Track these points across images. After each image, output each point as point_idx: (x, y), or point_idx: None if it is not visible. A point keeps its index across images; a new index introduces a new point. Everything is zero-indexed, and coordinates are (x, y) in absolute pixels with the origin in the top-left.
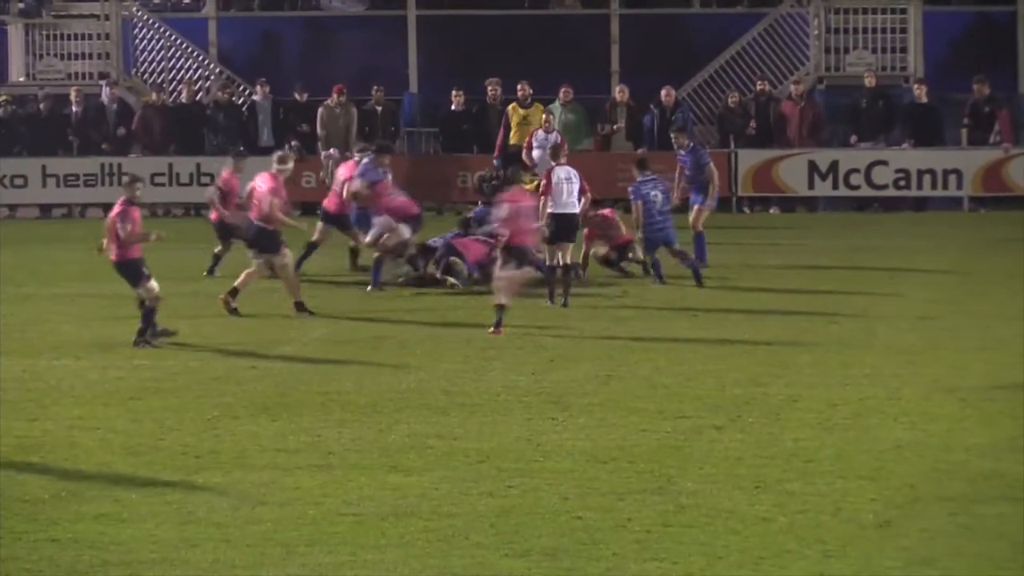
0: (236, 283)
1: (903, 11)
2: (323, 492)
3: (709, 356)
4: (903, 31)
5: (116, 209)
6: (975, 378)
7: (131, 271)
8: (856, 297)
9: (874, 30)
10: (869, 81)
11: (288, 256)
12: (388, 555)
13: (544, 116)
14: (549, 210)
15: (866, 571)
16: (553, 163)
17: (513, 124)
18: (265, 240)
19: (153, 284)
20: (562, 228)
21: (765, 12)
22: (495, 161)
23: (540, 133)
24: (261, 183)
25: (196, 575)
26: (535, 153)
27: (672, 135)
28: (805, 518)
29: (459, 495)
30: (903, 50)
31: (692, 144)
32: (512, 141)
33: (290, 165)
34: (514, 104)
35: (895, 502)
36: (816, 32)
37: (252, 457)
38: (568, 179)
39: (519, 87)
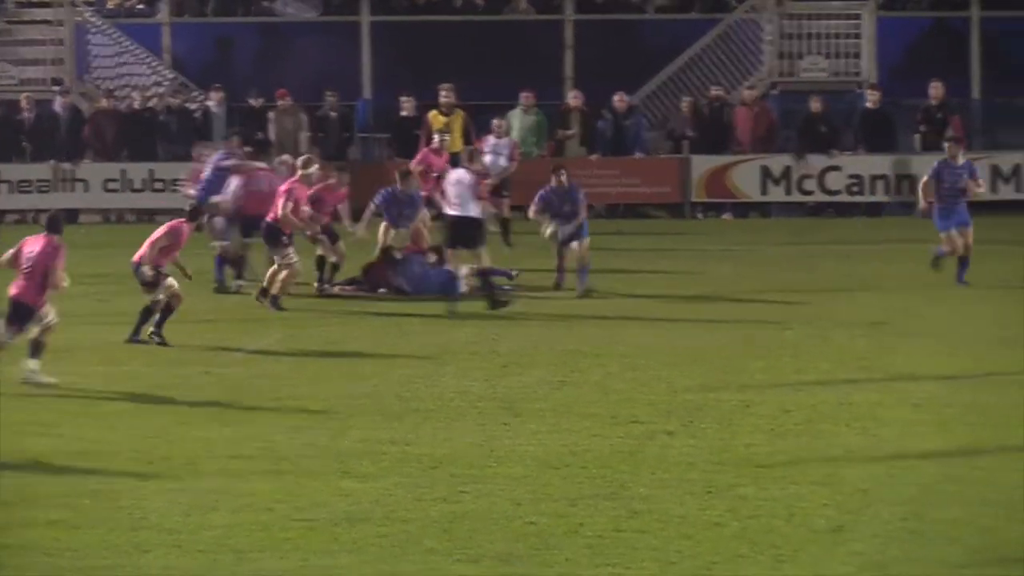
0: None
1: (857, 17)
2: (275, 498)
3: (661, 362)
4: (857, 37)
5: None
6: (927, 383)
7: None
8: (809, 303)
9: (828, 36)
10: (815, 107)
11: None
12: (340, 560)
13: (496, 121)
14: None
15: None
16: (465, 166)
17: (434, 131)
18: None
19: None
20: (456, 233)
21: (719, 18)
22: None
23: (491, 138)
24: (281, 185)
25: None
26: (487, 158)
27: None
28: (757, 523)
29: (412, 501)
30: (857, 55)
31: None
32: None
33: (313, 169)
34: (435, 111)
35: (848, 507)
36: (770, 38)
37: (204, 463)
38: (459, 182)
39: (442, 93)
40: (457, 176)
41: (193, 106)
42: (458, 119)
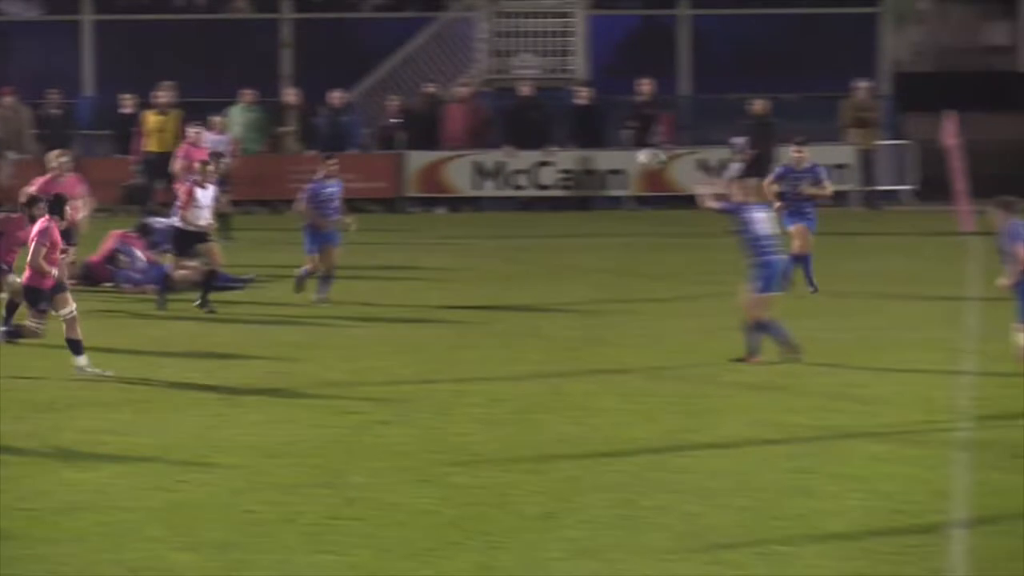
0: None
1: (569, 15)
2: None
3: (378, 353)
4: (568, 35)
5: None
6: (636, 373)
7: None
8: (521, 293)
9: (541, 34)
10: (525, 92)
11: None
12: (62, 548)
13: (214, 118)
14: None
15: (530, 562)
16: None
17: (150, 131)
18: None
19: None
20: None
21: (434, 16)
22: (135, 168)
23: (209, 136)
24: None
25: None
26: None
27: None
28: (470, 510)
29: (132, 490)
30: (569, 54)
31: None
32: (152, 148)
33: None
34: (148, 111)
35: (559, 494)
36: (483, 36)
37: None
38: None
39: (155, 94)
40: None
41: None
42: (173, 119)
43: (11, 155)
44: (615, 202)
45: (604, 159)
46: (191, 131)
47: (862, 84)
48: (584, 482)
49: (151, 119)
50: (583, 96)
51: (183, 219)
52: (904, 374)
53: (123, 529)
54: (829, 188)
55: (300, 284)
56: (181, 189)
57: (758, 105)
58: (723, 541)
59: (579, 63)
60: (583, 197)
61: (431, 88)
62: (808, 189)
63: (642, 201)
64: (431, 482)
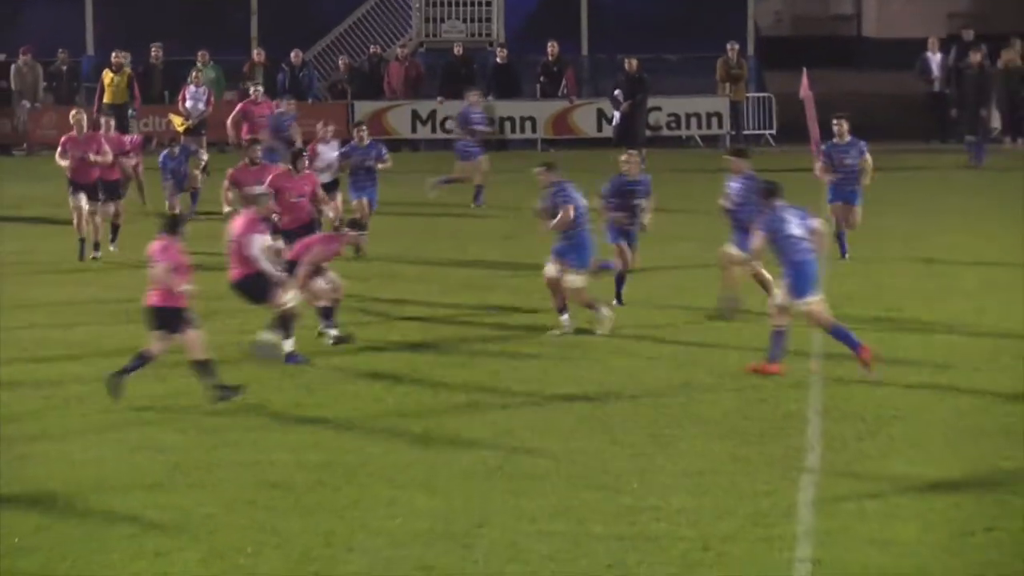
0: None
1: None
2: None
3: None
4: (488, 4)
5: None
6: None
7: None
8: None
9: (465, 4)
10: (458, 50)
11: None
12: None
13: (194, 73)
14: None
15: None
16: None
17: (106, 86)
18: None
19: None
20: None
21: None
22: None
23: (192, 87)
24: None
25: None
26: (188, 103)
27: None
28: None
29: None
30: (489, 20)
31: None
32: (106, 100)
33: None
34: (107, 69)
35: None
36: (418, 5)
37: None
38: None
39: (113, 55)
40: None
41: None
42: (124, 76)
43: (26, 104)
44: (528, 144)
45: (518, 108)
46: (252, 89)
47: (732, 46)
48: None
49: (107, 76)
50: (502, 55)
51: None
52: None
53: None
54: (870, 162)
55: None
56: (309, 148)
57: (631, 63)
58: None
59: (497, 28)
60: (501, 140)
61: (375, 49)
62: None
63: (551, 143)
64: None
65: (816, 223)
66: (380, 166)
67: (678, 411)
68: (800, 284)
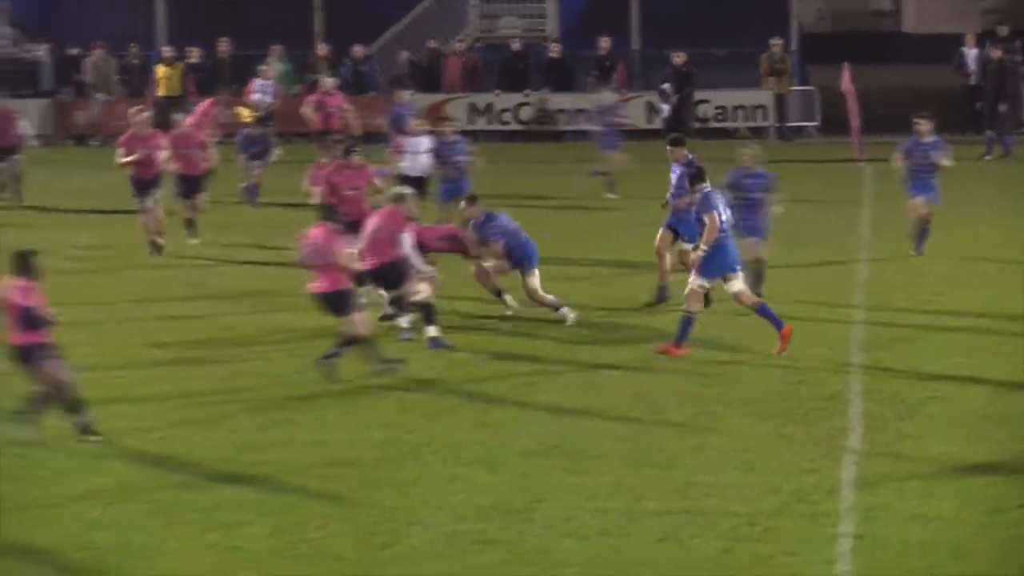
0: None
1: None
2: None
3: None
4: (543, 1)
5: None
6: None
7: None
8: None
9: (519, 1)
10: (516, 45)
11: None
12: None
13: (263, 66)
14: None
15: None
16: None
17: (159, 79)
18: None
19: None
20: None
21: None
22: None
23: (259, 80)
24: None
25: None
26: (256, 96)
27: None
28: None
29: None
30: (542, 16)
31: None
32: (160, 93)
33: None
34: (160, 64)
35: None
36: (475, 2)
37: None
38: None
39: (165, 50)
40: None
41: (25, 55)
42: (178, 70)
43: (100, 96)
44: (581, 135)
45: (572, 100)
46: (325, 81)
47: (776, 41)
48: None
49: (161, 70)
50: (556, 51)
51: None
52: (812, 269)
53: None
54: (948, 160)
55: None
56: (396, 140)
57: (679, 58)
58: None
59: (552, 24)
60: (557, 131)
61: (434, 44)
62: (935, 160)
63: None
64: None
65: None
66: (466, 159)
67: (727, 392)
68: (715, 265)
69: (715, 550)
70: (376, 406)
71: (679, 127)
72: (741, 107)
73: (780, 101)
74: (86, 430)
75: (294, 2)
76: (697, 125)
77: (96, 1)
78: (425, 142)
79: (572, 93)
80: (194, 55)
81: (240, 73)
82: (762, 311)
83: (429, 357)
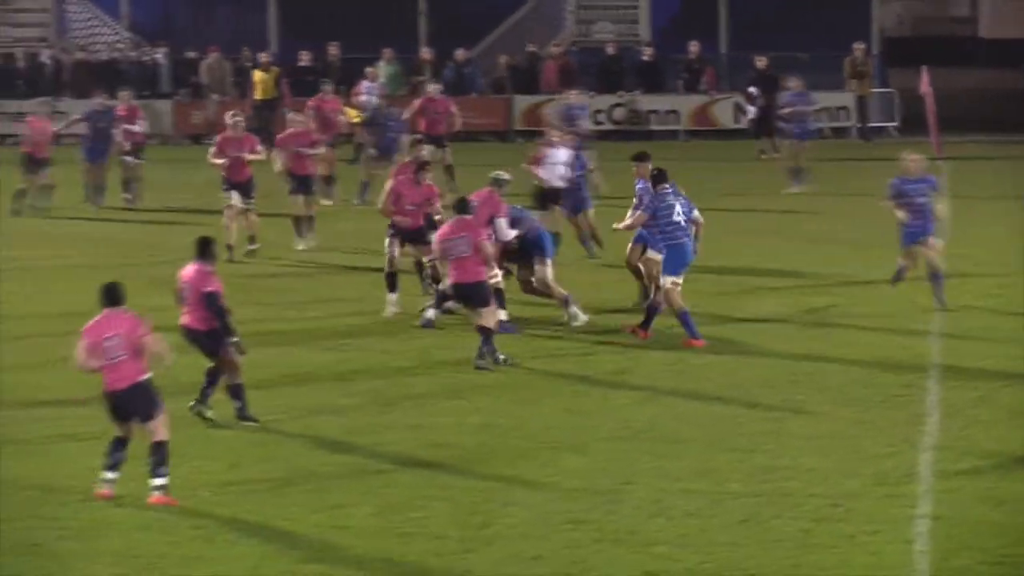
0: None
1: None
2: None
3: None
4: (636, 7)
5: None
6: None
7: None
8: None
9: (614, 7)
10: (610, 49)
11: None
12: None
13: (370, 69)
14: None
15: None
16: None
17: (256, 83)
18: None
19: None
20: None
21: None
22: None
23: (366, 83)
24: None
25: None
26: (363, 98)
27: None
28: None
29: None
30: (635, 21)
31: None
32: (257, 96)
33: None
34: (256, 68)
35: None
36: (571, 8)
37: None
38: None
39: (262, 56)
40: None
41: (145, 58)
42: (273, 74)
43: (215, 97)
44: (672, 135)
45: (663, 101)
46: (431, 86)
47: (858, 45)
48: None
49: (257, 74)
50: (648, 54)
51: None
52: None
53: None
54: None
55: None
56: (538, 149)
57: (762, 61)
58: (753, 393)
59: (644, 29)
60: (647, 131)
61: (532, 47)
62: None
63: (693, 134)
64: None
65: (697, 214)
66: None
67: (807, 379)
68: (672, 264)
69: (796, 530)
70: (473, 393)
71: (766, 128)
72: (824, 108)
73: (861, 102)
74: (245, 415)
75: (400, 7)
76: (781, 126)
77: (211, 6)
78: (564, 153)
79: (663, 94)
80: (304, 58)
81: (347, 76)
82: (682, 317)
83: (525, 348)
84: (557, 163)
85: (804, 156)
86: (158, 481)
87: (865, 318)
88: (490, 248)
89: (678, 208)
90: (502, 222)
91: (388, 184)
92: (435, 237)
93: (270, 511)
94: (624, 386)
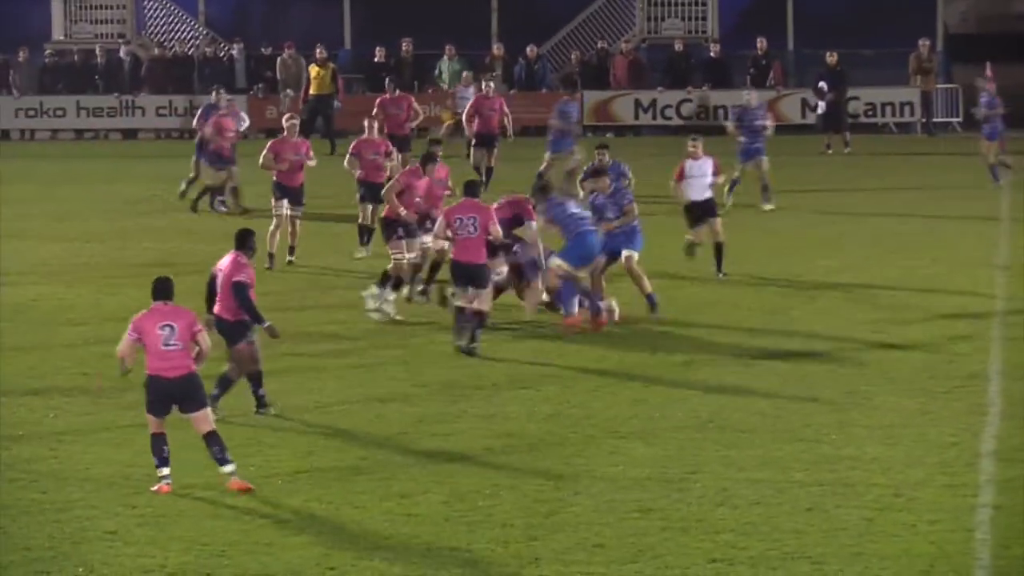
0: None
1: None
2: None
3: None
4: (704, 4)
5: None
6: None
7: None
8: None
9: (683, 3)
10: (679, 46)
11: None
12: None
13: (466, 74)
14: None
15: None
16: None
17: (312, 78)
18: None
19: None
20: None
21: None
22: (303, 106)
23: (462, 87)
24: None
25: None
26: (460, 100)
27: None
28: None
29: None
30: (704, 18)
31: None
32: (312, 91)
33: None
34: (312, 64)
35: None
36: (641, 5)
37: None
38: None
39: (317, 51)
40: None
41: (221, 54)
42: (328, 69)
43: (290, 92)
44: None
45: (731, 97)
46: (485, 85)
47: (923, 42)
48: None
49: (314, 70)
50: (715, 50)
51: (674, 193)
52: (956, 253)
53: None
54: None
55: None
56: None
57: (832, 58)
58: (818, 385)
59: (712, 26)
60: (718, 126)
61: (602, 44)
62: None
63: None
64: None
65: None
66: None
67: (872, 370)
68: (575, 254)
69: (859, 519)
70: (542, 383)
71: (834, 123)
72: (890, 103)
73: (926, 98)
74: (263, 404)
75: (471, 4)
76: (849, 121)
77: (286, 3)
78: (709, 165)
79: (730, 90)
80: (379, 54)
81: (421, 71)
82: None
83: (595, 340)
84: (705, 176)
85: (995, 153)
86: (227, 468)
87: (928, 310)
88: (500, 232)
89: (569, 204)
90: (532, 225)
91: (396, 180)
92: (443, 212)
93: (340, 499)
94: (691, 377)
